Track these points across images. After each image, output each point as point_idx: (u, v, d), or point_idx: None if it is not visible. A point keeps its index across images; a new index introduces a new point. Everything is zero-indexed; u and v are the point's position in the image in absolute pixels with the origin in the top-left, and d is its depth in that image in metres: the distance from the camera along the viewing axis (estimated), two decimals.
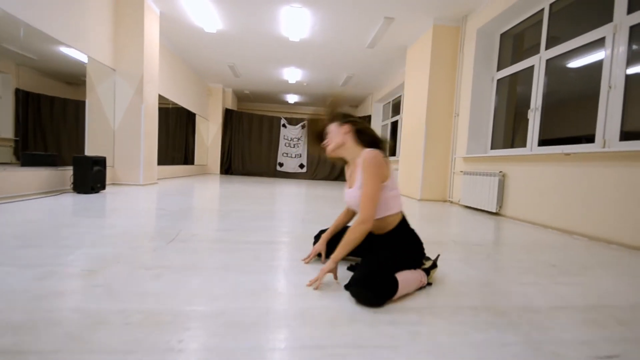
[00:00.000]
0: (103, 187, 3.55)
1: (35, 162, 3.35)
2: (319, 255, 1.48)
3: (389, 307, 1.06)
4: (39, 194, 3.15)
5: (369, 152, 1.22)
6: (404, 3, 4.09)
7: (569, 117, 3.22)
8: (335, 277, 1.22)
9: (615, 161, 2.34)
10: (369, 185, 1.19)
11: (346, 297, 1.10)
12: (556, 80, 3.25)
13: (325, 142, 1.37)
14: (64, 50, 3.78)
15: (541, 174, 2.99)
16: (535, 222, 3.00)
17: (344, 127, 1.33)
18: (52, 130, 5.89)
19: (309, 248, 1.63)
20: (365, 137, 1.34)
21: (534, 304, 1.15)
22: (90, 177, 3.33)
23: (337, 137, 1.33)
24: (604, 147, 2.51)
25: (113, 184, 4.36)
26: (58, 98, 6.04)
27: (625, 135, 2.42)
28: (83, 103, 5.94)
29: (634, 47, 2.40)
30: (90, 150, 4.14)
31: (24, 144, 5.79)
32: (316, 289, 1.15)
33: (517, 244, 2.20)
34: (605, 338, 0.93)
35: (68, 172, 3.50)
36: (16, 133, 5.91)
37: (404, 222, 1.32)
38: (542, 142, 3.23)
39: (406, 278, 1.14)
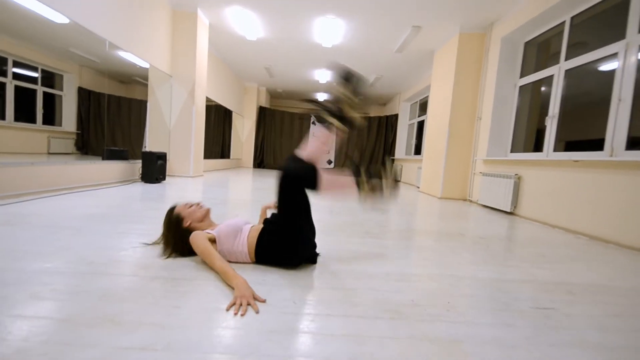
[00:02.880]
0: (164, 178, 4.21)
1: (112, 156, 4.04)
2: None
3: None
4: (117, 183, 3.84)
5: None
6: (431, 12, 4.38)
7: (587, 122, 3.41)
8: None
9: (620, 169, 2.57)
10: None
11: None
12: (575, 88, 3.44)
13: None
14: (121, 53, 4.41)
15: (554, 178, 3.23)
16: (546, 222, 3.26)
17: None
18: (108, 125, 6.84)
19: (336, 234, 2.08)
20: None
21: (507, 277, 1.53)
22: (155, 169, 3.98)
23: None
24: (611, 155, 2.74)
25: (169, 175, 5.04)
26: (114, 96, 6.90)
27: (632, 141, 2.63)
28: (135, 101, 6.80)
29: None
30: (150, 145, 4.84)
31: (83, 137, 6.80)
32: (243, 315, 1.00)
33: (519, 239, 2.52)
34: (550, 299, 1.31)
35: (136, 164, 4.18)
36: (78, 127, 6.85)
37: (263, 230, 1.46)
38: (565, 145, 3.45)
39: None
